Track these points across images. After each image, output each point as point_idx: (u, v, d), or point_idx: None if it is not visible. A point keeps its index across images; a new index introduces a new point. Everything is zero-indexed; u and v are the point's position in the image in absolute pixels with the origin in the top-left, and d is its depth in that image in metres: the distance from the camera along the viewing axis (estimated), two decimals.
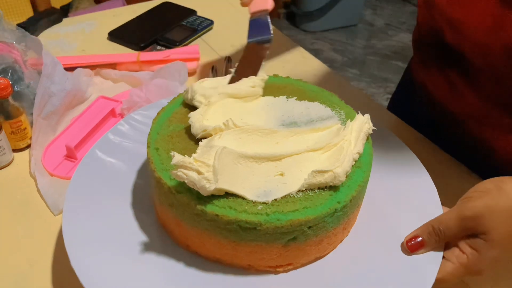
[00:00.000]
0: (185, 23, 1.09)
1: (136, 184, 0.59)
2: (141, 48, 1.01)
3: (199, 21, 1.10)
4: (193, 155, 0.47)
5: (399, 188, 0.60)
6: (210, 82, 0.61)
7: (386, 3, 3.50)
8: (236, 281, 0.50)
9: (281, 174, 0.50)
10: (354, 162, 0.52)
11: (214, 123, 0.53)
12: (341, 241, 0.55)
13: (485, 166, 0.70)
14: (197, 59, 0.95)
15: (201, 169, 0.45)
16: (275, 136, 0.53)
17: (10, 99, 0.71)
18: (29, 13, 2.00)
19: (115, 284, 0.48)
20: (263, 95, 0.61)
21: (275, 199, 0.47)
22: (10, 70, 0.76)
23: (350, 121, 0.55)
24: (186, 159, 0.45)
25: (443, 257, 0.51)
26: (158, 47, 1.02)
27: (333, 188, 0.50)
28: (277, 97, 0.61)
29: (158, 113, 0.59)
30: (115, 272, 0.49)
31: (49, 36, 1.05)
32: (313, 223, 0.48)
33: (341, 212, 0.50)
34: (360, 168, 0.53)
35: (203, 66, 0.97)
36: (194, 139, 0.54)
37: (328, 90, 0.64)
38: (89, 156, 0.62)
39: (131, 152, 0.63)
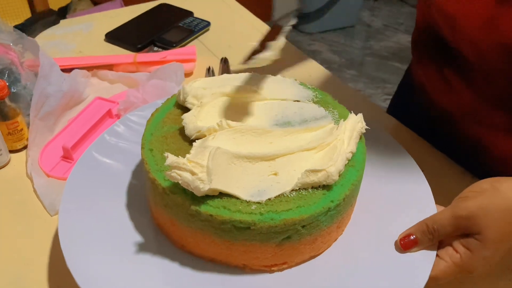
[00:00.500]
0: (182, 25, 1.09)
1: (132, 184, 0.60)
2: (138, 49, 1.01)
3: (195, 23, 1.10)
4: (187, 155, 0.47)
5: (393, 187, 0.60)
6: (201, 83, 0.61)
7: (383, 4, 3.51)
8: (231, 281, 0.51)
9: (275, 174, 0.50)
10: (347, 161, 0.52)
11: (208, 124, 0.54)
12: (335, 240, 0.55)
13: (481, 166, 0.71)
14: (193, 60, 0.96)
15: (195, 169, 0.45)
16: (269, 136, 0.53)
17: (6, 100, 0.71)
18: (27, 14, 2.00)
19: (110, 284, 0.49)
20: (257, 97, 0.61)
21: (269, 199, 0.48)
22: (7, 72, 0.76)
23: (344, 121, 0.55)
24: (179, 160, 0.45)
25: (437, 255, 0.51)
26: (155, 48, 1.02)
27: (326, 187, 0.50)
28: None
29: (152, 114, 0.59)
30: (110, 272, 0.50)
31: (46, 37, 1.05)
32: (307, 222, 0.48)
33: (335, 211, 0.50)
34: (354, 167, 0.53)
35: (200, 67, 0.97)
36: (188, 140, 0.54)
37: (325, 91, 0.65)
38: (85, 156, 0.62)
39: (127, 152, 0.63)
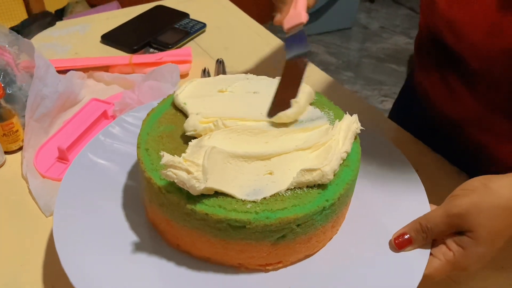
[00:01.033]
0: (177, 26, 1.09)
1: (127, 185, 0.60)
2: (134, 51, 1.01)
3: (191, 24, 1.10)
4: (183, 155, 0.47)
5: (387, 187, 0.61)
6: (195, 87, 0.61)
7: (380, 6, 3.52)
8: (226, 280, 0.51)
9: (270, 173, 0.50)
10: (342, 161, 0.53)
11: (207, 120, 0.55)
12: (330, 239, 0.55)
13: (484, 173, 0.70)
14: (189, 61, 0.96)
15: (191, 168, 0.46)
16: (265, 136, 0.54)
17: (2, 101, 0.71)
18: (23, 16, 2.00)
19: (105, 284, 0.49)
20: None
21: (264, 198, 0.48)
22: (2, 73, 0.76)
23: (339, 121, 0.56)
24: (175, 159, 0.46)
25: (430, 254, 0.52)
26: (151, 50, 1.03)
27: (321, 186, 0.50)
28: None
29: (147, 114, 0.59)
30: (105, 272, 0.50)
31: (42, 39, 1.05)
32: (302, 221, 0.48)
33: (330, 210, 0.50)
34: (348, 167, 0.53)
35: (195, 68, 0.97)
36: (184, 140, 0.55)
37: (322, 93, 0.65)
38: (80, 157, 0.62)
39: (122, 153, 0.63)
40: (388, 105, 2.50)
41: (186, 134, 0.54)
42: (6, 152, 0.75)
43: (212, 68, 0.96)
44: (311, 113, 0.60)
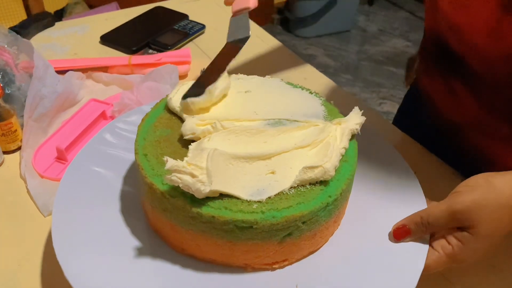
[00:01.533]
0: (177, 27, 1.10)
1: (125, 186, 0.60)
2: (133, 52, 1.01)
3: (191, 25, 1.11)
4: (186, 158, 0.47)
5: (383, 183, 0.61)
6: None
7: (379, 9, 3.52)
8: (234, 280, 0.51)
9: (272, 172, 0.51)
10: (341, 157, 0.53)
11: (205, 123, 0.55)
12: (332, 234, 0.56)
13: None
14: (188, 62, 0.96)
15: (195, 172, 0.46)
16: (263, 135, 0.54)
17: (1, 101, 0.72)
18: (23, 16, 2.01)
19: (104, 285, 0.49)
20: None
21: (269, 197, 0.48)
22: (1, 73, 0.76)
23: (331, 117, 0.57)
24: (179, 163, 0.45)
25: (430, 246, 0.53)
26: (150, 51, 1.03)
27: (323, 183, 0.51)
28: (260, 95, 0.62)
29: (142, 120, 0.59)
30: (105, 273, 0.50)
31: (42, 40, 1.05)
32: (307, 218, 0.49)
33: (332, 205, 0.51)
34: (347, 162, 0.54)
35: (194, 69, 0.97)
36: (182, 143, 0.54)
37: (321, 95, 0.65)
38: (79, 158, 0.62)
39: (116, 158, 0.63)
40: (387, 107, 2.50)
41: (184, 138, 0.54)
42: (4, 152, 0.75)
43: None
44: (305, 109, 0.60)
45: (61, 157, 0.73)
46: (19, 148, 0.76)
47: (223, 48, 0.64)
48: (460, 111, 0.71)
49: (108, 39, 1.05)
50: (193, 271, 0.51)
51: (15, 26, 1.04)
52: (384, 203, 0.59)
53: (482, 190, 0.50)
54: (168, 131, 0.56)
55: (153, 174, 0.50)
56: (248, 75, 0.67)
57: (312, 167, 0.49)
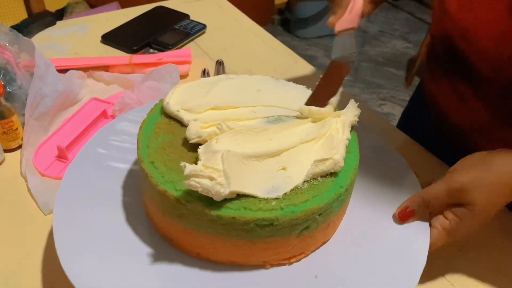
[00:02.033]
0: (178, 27, 1.10)
1: (126, 185, 0.60)
2: (134, 51, 1.02)
3: (192, 25, 1.11)
4: (200, 162, 0.47)
5: (381, 174, 0.63)
6: (182, 93, 0.61)
7: (379, 10, 3.52)
8: (254, 278, 0.52)
9: (283, 169, 0.51)
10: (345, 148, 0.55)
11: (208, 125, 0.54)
12: (340, 223, 0.58)
13: None
14: (189, 62, 0.96)
15: (213, 175, 0.45)
16: (267, 133, 0.54)
17: (2, 99, 0.72)
18: (23, 16, 2.01)
19: (106, 284, 0.49)
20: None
21: (285, 193, 0.49)
22: (2, 71, 0.77)
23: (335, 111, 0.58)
24: (197, 167, 0.45)
25: (430, 225, 0.55)
26: (151, 50, 1.03)
27: (333, 174, 0.52)
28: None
29: (140, 127, 0.57)
30: (105, 272, 0.50)
31: (43, 39, 1.05)
32: (323, 210, 0.50)
33: (344, 195, 0.52)
34: (351, 153, 0.56)
35: (195, 69, 0.97)
36: (187, 147, 0.54)
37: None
38: (81, 156, 0.62)
39: (121, 155, 0.63)
40: (387, 108, 2.50)
41: (190, 142, 0.53)
42: (5, 150, 0.75)
43: (212, 69, 0.96)
44: (300, 102, 0.60)
45: (61, 155, 0.73)
46: (20, 147, 0.76)
47: (331, 65, 0.64)
48: (467, 116, 0.71)
49: (109, 39, 1.06)
50: (211, 271, 0.52)
51: (16, 25, 1.04)
52: (384, 192, 0.60)
53: (480, 169, 0.52)
54: (170, 137, 0.56)
55: (165, 181, 0.50)
56: (246, 75, 0.67)
57: (323, 160, 0.51)
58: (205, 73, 0.93)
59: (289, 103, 0.60)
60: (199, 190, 0.45)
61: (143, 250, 0.53)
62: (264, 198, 0.48)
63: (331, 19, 0.66)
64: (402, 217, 0.56)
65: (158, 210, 0.52)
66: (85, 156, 0.62)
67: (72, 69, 0.90)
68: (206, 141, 0.52)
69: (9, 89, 0.77)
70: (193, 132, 0.53)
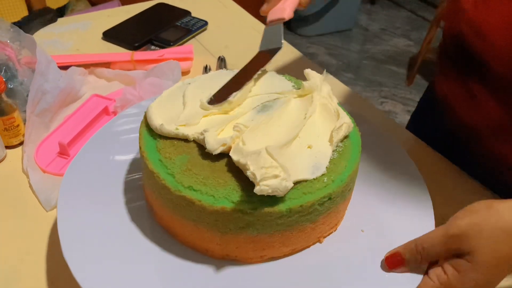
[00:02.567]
0: (179, 24, 1.10)
1: (129, 180, 0.60)
2: (135, 48, 1.01)
3: (193, 22, 1.11)
4: (253, 167, 0.46)
5: (388, 184, 0.61)
6: (162, 108, 0.57)
7: (381, 8, 3.52)
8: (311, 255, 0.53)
9: (309, 147, 0.52)
10: None
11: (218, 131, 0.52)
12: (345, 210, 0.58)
13: (504, 185, 0.69)
14: (191, 58, 0.96)
15: (275, 172, 0.45)
16: (275, 121, 0.54)
17: (3, 95, 0.71)
18: (24, 13, 2.01)
19: (111, 280, 0.48)
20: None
21: (326, 167, 0.50)
22: (4, 67, 0.76)
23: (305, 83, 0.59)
24: (262, 171, 0.45)
25: (425, 274, 0.49)
26: (153, 47, 1.03)
27: (346, 137, 0.55)
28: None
29: (145, 161, 0.52)
30: (110, 268, 0.49)
31: (44, 36, 1.05)
32: (355, 172, 0.54)
33: (359, 160, 0.55)
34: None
35: (197, 65, 0.97)
36: (210, 160, 0.51)
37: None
38: (84, 151, 0.62)
39: (125, 147, 0.63)
40: (388, 106, 2.50)
41: (214, 153, 0.50)
42: (7, 147, 0.75)
43: (213, 65, 0.96)
44: (276, 87, 0.60)
45: (63, 152, 0.73)
46: (21, 143, 0.76)
47: (255, 56, 0.63)
48: (479, 116, 0.69)
49: (111, 35, 1.05)
50: (204, 265, 0.51)
51: (17, 22, 1.04)
52: (386, 196, 0.59)
53: (481, 214, 0.46)
54: (185, 157, 0.51)
55: (218, 200, 0.47)
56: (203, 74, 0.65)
57: (339, 128, 0.53)
58: (206, 70, 0.93)
59: (259, 89, 0.60)
60: (269, 192, 0.44)
61: (149, 246, 0.52)
62: (314, 179, 0.49)
63: (263, 7, 0.66)
64: (390, 263, 0.50)
65: (208, 231, 0.50)
66: (88, 151, 0.62)
67: (74, 65, 0.89)
68: (229, 147, 0.50)
69: (11, 85, 0.76)
70: (214, 143, 0.50)
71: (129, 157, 0.62)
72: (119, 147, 0.64)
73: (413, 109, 0.97)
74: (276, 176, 0.45)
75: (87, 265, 0.49)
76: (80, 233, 0.52)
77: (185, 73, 0.95)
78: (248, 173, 0.46)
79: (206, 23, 1.12)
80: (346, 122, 0.53)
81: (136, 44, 1.02)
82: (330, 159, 0.51)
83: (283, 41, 0.62)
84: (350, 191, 0.54)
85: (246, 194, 0.47)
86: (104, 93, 0.86)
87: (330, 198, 0.49)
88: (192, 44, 1.03)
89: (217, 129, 0.52)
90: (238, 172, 0.48)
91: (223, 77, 0.61)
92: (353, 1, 3.06)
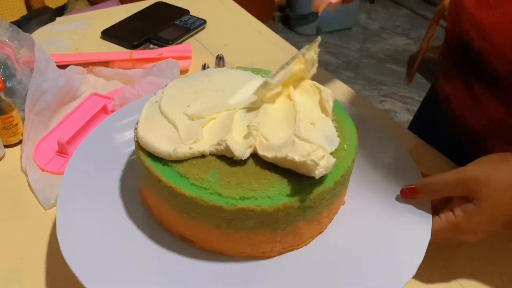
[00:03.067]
0: (178, 23, 1.10)
1: (125, 179, 0.60)
2: (134, 47, 1.01)
3: (192, 21, 1.11)
4: (300, 155, 0.46)
5: (386, 183, 0.61)
6: (149, 127, 0.54)
7: (380, 7, 3.52)
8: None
9: (313, 124, 0.53)
10: None
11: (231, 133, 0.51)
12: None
13: None
14: (189, 57, 0.96)
15: (321, 154, 0.47)
16: (270, 114, 0.54)
17: (2, 94, 0.71)
18: (23, 12, 2.00)
19: (109, 275, 0.48)
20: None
21: (337, 136, 0.53)
22: (2, 66, 0.76)
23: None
24: (312, 157, 0.46)
25: (434, 215, 0.54)
26: (151, 46, 1.03)
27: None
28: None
29: (175, 188, 0.48)
30: (109, 263, 0.50)
31: (43, 35, 1.05)
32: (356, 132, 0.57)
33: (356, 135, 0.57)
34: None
35: (195, 64, 0.97)
36: (239, 166, 0.49)
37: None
38: (81, 149, 0.62)
39: (121, 146, 0.63)
40: (388, 105, 2.50)
41: (244, 158, 0.49)
42: (5, 146, 0.75)
43: (212, 64, 0.96)
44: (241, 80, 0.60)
45: (62, 151, 0.73)
46: (20, 142, 0.76)
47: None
48: (482, 117, 0.69)
49: (110, 34, 1.05)
50: (200, 260, 0.51)
51: (15, 21, 1.04)
52: (383, 194, 0.59)
53: (495, 166, 0.50)
54: (214, 172, 0.49)
55: (275, 200, 0.47)
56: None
57: (328, 99, 0.55)
58: (205, 68, 0.93)
59: (232, 88, 0.59)
60: (324, 172, 0.47)
61: (148, 243, 0.52)
62: (333, 151, 0.51)
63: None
64: (404, 192, 0.56)
65: (266, 233, 0.49)
66: (87, 150, 0.62)
67: (73, 64, 0.89)
68: (255, 148, 0.50)
69: (9, 84, 0.76)
70: (241, 148, 0.49)
71: (127, 153, 0.63)
72: (117, 142, 0.64)
73: (412, 107, 0.98)
74: (323, 157, 0.46)
75: (87, 262, 0.49)
76: (79, 231, 0.52)
77: (183, 71, 0.95)
78: (299, 164, 0.47)
79: (204, 21, 1.12)
80: (329, 92, 0.56)
81: (135, 43, 1.02)
82: (337, 128, 0.54)
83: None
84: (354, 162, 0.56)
85: (295, 184, 0.48)
86: (103, 91, 0.86)
87: (353, 161, 0.53)
88: (191, 43, 1.03)
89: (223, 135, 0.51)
90: (272, 168, 0.49)
91: (187, 84, 0.59)
92: None
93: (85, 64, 0.93)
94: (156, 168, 0.50)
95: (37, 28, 1.07)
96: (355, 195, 0.59)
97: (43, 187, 0.68)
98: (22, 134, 0.75)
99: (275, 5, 3.21)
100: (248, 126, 0.50)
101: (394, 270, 0.50)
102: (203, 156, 0.50)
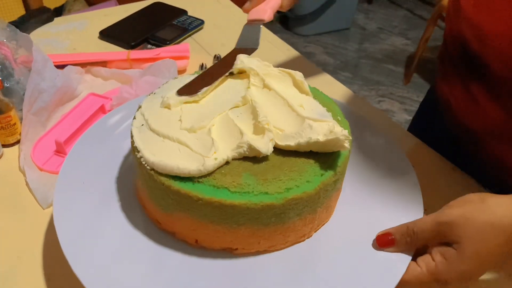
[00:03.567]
0: (176, 23, 1.10)
1: (122, 176, 0.60)
2: (132, 47, 1.02)
3: (189, 21, 1.11)
4: (322, 132, 0.50)
5: (380, 179, 0.62)
6: (152, 145, 0.52)
7: (378, 7, 3.53)
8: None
9: (302, 106, 0.55)
10: None
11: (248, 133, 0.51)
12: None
13: (504, 187, 0.67)
14: (187, 57, 0.96)
15: (338, 128, 0.50)
16: (266, 107, 0.54)
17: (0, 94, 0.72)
18: (21, 12, 2.01)
19: (110, 274, 0.49)
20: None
21: (332, 114, 0.55)
22: (0, 66, 0.77)
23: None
24: (334, 134, 0.49)
25: (413, 260, 0.50)
26: (149, 46, 1.03)
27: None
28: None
29: (226, 205, 0.47)
30: (109, 263, 0.50)
31: (41, 35, 1.05)
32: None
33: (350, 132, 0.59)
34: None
35: (193, 64, 0.97)
36: (264, 163, 0.50)
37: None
38: (77, 148, 0.62)
39: (118, 143, 0.63)
40: (386, 105, 2.51)
41: (269, 153, 0.50)
42: (3, 145, 0.75)
43: (209, 64, 0.96)
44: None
45: (60, 150, 0.73)
46: (18, 142, 0.76)
47: (230, 52, 0.63)
48: (480, 118, 0.69)
49: (107, 34, 1.06)
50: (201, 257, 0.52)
51: (13, 22, 1.04)
52: (378, 193, 0.60)
53: (473, 206, 0.48)
54: (247, 174, 0.49)
55: (314, 183, 0.49)
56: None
57: (303, 80, 0.59)
58: (202, 68, 0.94)
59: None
60: (347, 144, 0.49)
61: (146, 241, 0.52)
62: (333, 120, 0.53)
63: (246, 5, 0.66)
64: (381, 242, 0.51)
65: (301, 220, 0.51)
66: (82, 148, 0.62)
67: (70, 64, 0.90)
68: (273, 139, 0.51)
69: (7, 84, 0.77)
70: (265, 144, 0.50)
71: (123, 150, 0.63)
72: (112, 142, 0.64)
73: (410, 107, 0.98)
74: (342, 129, 0.49)
75: (86, 260, 0.49)
76: (77, 229, 0.52)
77: (181, 71, 0.95)
78: (325, 143, 0.49)
79: (202, 22, 1.12)
80: (300, 73, 0.59)
81: (133, 43, 1.02)
82: (326, 108, 0.56)
83: (259, 43, 0.64)
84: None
85: (322, 162, 0.51)
86: (101, 91, 0.87)
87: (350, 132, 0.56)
88: (189, 43, 1.03)
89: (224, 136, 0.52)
90: (292, 155, 0.51)
91: (158, 100, 0.58)
92: (351, 0, 3.06)
93: (83, 64, 0.93)
94: (190, 188, 0.47)
95: (35, 28, 1.07)
96: (351, 195, 0.59)
97: (41, 187, 0.68)
98: (20, 134, 0.76)
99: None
100: (259, 122, 0.51)
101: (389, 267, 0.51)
102: (227, 163, 0.49)
